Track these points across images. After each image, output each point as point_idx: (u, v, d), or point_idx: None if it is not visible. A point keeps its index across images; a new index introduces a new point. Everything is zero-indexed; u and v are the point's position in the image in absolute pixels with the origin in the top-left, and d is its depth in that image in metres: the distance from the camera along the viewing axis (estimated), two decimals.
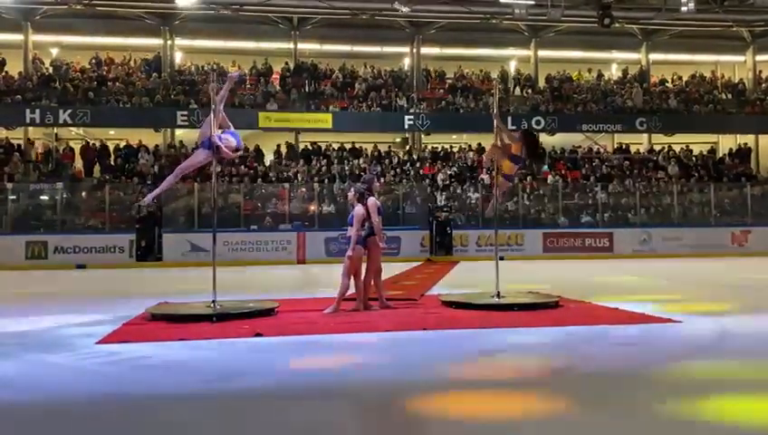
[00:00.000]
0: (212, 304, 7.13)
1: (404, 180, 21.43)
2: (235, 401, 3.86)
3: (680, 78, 27.21)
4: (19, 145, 22.00)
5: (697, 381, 4.25)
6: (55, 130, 23.18)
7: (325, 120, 23.14)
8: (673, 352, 5.19)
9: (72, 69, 23.42)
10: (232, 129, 7.56)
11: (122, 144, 22.54)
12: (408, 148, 24.85)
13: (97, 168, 21.59)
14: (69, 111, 21.48)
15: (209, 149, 7.26)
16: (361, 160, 22.51)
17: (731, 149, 25.81)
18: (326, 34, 25.45)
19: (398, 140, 25.94)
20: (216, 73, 9.55)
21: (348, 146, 23.47)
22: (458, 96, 24.42)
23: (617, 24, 23.54)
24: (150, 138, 22.81)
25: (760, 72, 27.64)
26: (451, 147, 24.40)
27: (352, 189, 7.83)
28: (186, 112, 21.81)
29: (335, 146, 23.41)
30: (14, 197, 19.62)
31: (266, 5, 23.89)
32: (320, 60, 25.44)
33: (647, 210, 21.86)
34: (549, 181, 22.24)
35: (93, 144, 22.15)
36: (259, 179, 21.02)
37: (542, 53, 26.39)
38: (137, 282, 12.99)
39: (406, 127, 24.00)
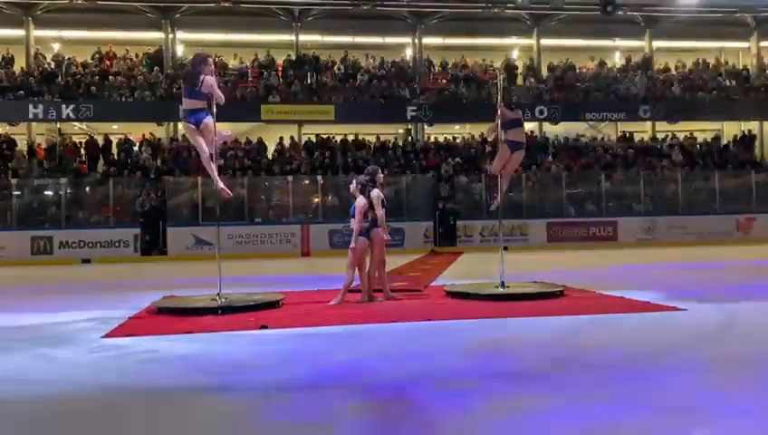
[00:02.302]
0: (217, 297, 7.16)
1: (407, 172, 21.38)
2: (241, 393, 3.87)
3: (684, 65, 27.00)
4: (24, 141, 22.02)
5: (702, 369, 4.24)
6: (58, 125, 23.18)
7: (327, 111, 23.06)
8: (677, 340, 5.19)
9: (74, 64, 23.38)
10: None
11: (123, 139, 22.50)
12: (410, 139, 24.78)
13: (101, 162, 21.59)
14: (71, 106, 21.43)
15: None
16: (364, 152, 22.45)
17: (735, 136, 25.65)
18: (327, 26, 25.34)
19: (400, 131, 25.87)
20: (218, 66, 9.57)
21: (351, 138, 23.42)
22: (461, 86, 24.31)
23: (620, 12, 23.37)
24: (153, 131, 22.79)
25: (764, 58, 27.44)
26: (454, 137, 24.32)
27: (354, 181, 7.79)
28: None
29: (338, 138, 23.37)
30: (19, 192, 19.68)
31: None
32: (321, 51, 25.36)
33: (651, 199, 21.79)
34: (552, 171, 22.16)
35: (95, 139, 22.13)
36: (262, 172, 21.00)
37: (545, 42, 26.21)
38: (142, 276, 13.02)
39: (408, 118, 23.89)
